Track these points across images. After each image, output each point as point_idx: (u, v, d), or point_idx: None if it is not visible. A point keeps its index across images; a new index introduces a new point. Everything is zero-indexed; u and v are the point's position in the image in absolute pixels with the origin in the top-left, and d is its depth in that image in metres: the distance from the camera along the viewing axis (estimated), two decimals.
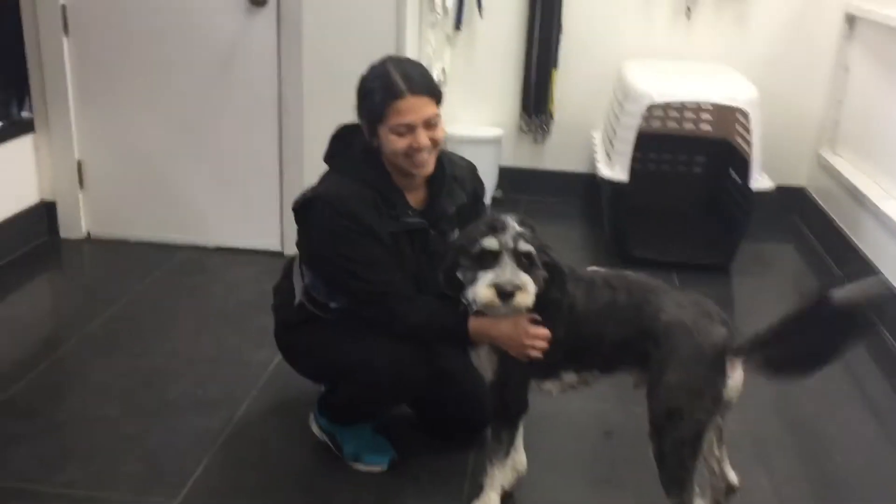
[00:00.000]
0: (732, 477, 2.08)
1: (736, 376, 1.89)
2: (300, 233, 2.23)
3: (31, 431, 2.41)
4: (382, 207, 2.12)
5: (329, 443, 2.37)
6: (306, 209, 2.15)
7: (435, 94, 2.12)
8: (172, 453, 2.34)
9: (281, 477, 2.27)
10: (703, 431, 1.88)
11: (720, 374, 1.87)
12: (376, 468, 2.30)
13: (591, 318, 1.99)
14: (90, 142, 3.69)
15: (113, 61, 3.59)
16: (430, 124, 2.09)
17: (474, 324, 2.03)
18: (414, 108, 2.05)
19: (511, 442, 2.11)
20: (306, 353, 2.31)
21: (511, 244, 1.88)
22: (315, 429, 2.41)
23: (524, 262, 1.89)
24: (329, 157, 2.22)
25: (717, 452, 2.06)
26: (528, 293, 1.88)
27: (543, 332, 1.98)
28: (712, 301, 1.99)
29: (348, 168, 2.16)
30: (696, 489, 1.90)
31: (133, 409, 2.54)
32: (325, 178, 2.20)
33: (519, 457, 2.23)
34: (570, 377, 2.07)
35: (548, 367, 2.04)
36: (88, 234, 3.81)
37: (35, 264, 3.56)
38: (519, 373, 2.04)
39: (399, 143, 2.07)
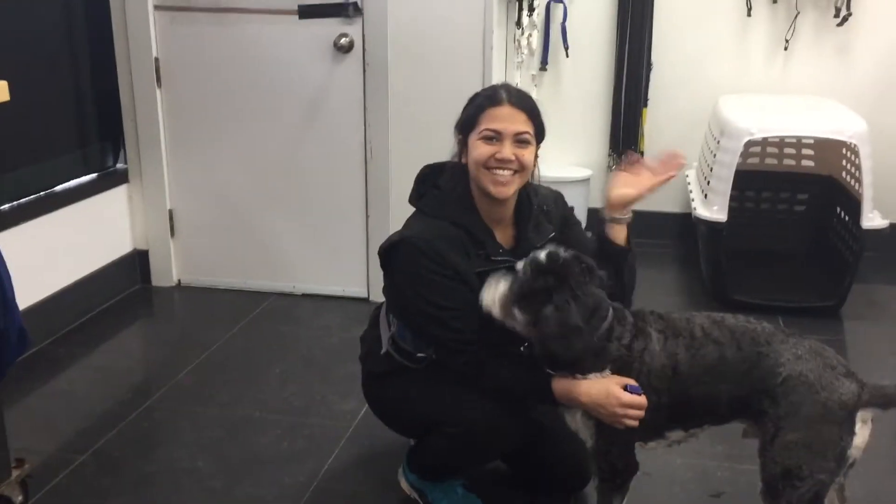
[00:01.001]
0: None
1: (863, 433, 1.74)
2: (386, 279, 2.16)
3: (120, 484, 2.39)
4: (471, 247, 2.04)
5: (418, 499, 2.27)
6: (392, 252, 2.09)
7: (533, 115, 2.05)
8: None
9: None
10: (823, 493, 1.74)
11: (847, 432, 1.71)
12: None
13: (698, 377, 1.84)
14: (181, 191, 3.75)
15: (203, 111, 3.64)
16: (520, 140, 2.02)
17: (559, 386, 1.91)
18: (508, 117, 2.01)
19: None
20: (394, 404, 2.23)
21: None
22: (404, 484, 2.32)
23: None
24: (415, 199, 2.16)
25: None
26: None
27: (640, 400, 1.84)
28: (830, 348, 1.84)
29: (434, 208, 2.09)
30: None
31: (221, 462, 2.50)
32: (411, 221, 2.14)
33: None
34: (677, 435, 1.94)
35: (653, 429, 1.91)
36: (179, 281, 3.85)
37: (127, 312, 3.61)
38: (622, 436, 1.90)
39: (484, 150, 2.01)
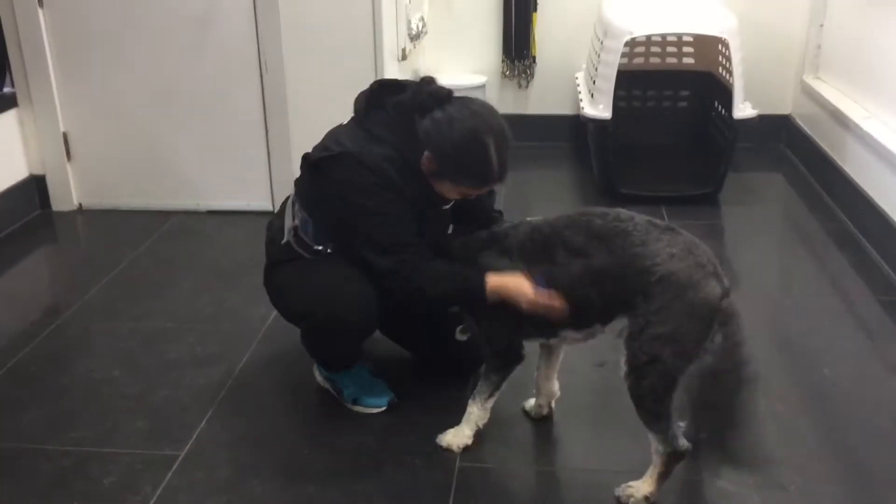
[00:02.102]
0: None
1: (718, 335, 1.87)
2: (311, 180, 2.20)
3: (38, 396, 2.46)
4: (406, 172, 2.11)
5: (330, 389, 2.42)
6: (330, 163, 2.12)
7: None
8: (176, 408, 2.40)
9: (283, 425, 2.32)
10: (680, 376, 1.89)
11: (707, 329, 1.85)
12: (375, 409, 2.35)
13: (565, 290, 1.96)
14: (75, 113, 3.70)
15: (91, 30, 3.58)
16: None
17: (493, 278, 2.04)
18: (490, 187, 2.14)
19: (498, 387, 2.16)
20: (280, 291, 2.35)
21: None
22: (318, 376, 2.46)
23: None
24: (360, 113, 2.17)
25: None
26: None
27: (545, 298, 1.97)
28: (702, 243, 1.93)
29: (378, 129, 2.12)
30: (675, 417, 1.93)
31: (136, 370, 2.59)
32: (350, 133, 2.16)
33: (550, 385, 2.29)
34: (573, 334, 2.08)
35: (540, 329, 2.08)
36: (80, 205, 3.84)
37: (29, 238, 3.60)
38: (501, 329, 2.09)
39: (456, 195, 2.14)
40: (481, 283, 2.04)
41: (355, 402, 2.36)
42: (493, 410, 2.22)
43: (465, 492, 2.05)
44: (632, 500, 1.98)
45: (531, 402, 2.33)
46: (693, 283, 1.84)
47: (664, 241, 1.88)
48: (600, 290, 1.93)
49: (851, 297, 3.02)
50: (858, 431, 2.27)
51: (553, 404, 2.32)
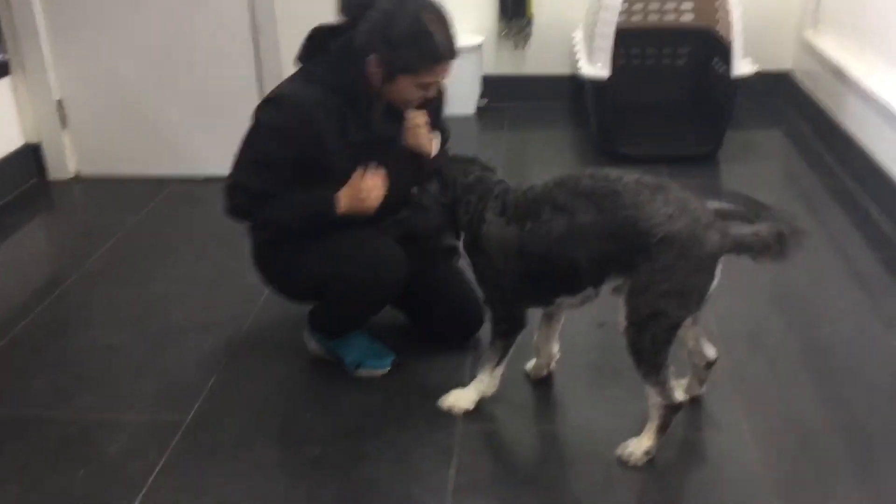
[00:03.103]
0: (709, 352, 2.16)
1: (719, 274, 1.90)
2: (248, 132, 2.18)
3: (43, 364, 2.47)
4: (350, 115, 2.11)
5: (328, 357, 2.42)
6: (265, 106, 2.14)
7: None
8: (182, 373, 2.41)
9: (288, 388, 2.34)
10: (680, 326, 1.93)
11: (710, 278, 1.89)
12: (379, 372, 2.36)
13: (548, 250, 1.96)
14: (69, 80, 3.67)
15: None
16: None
17: (341, 192, 2.10)
18: (446, 69, 2.09)
19: (504, 353, 2.17)
20: (284, 272, 2.33)
21: None
22: (312, 346, 2.45)
23: None
24: (301, 59, 2.18)
25: (692, 331, 2.11)
26: None
27: (370, 180, 2.08)
28: (697, 195, 1.93)
29: (320, 72, 2.13)
30: (671, 367, 1.96)
31: (139, 336, 2.60)
32: (291, 79, 2.17)
33: (549, 347, 2.31)
34: (569, 300, 2.08)
35: (532, 296, 2.10)
36: (77, 173, 3.83)
37: (26, 207, 3.59)
38: (502, 297, 2.11)
39: (414, 95, 2.11)
40: (333, 202, 2.11)
41: (359, 366, 2.37)
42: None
43: (467, 453, 2.07)
44: (633, 457, 2.00)
45: (531, 363, 2.35)
46: (696, 238, 1.84)
47: (658, 201, 1.86)
48: (586, 249, 1.93)
49: (850, 253, 3.02)
50: (856, 385, 2.29)
51: (553, 366, 2.34)
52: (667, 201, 1.87)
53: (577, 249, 1.93)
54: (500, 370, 2.20)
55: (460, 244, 2.14)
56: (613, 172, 1.96)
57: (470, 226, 2.08)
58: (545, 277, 2.02)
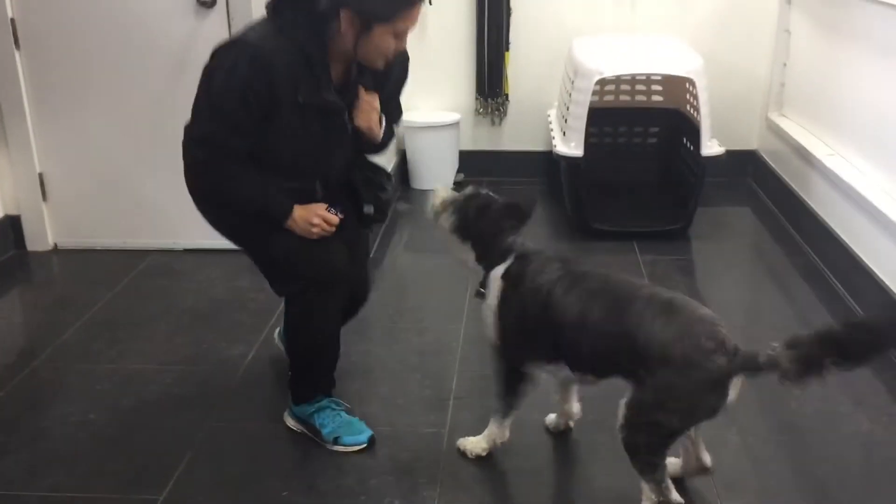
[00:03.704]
0: (706, 459, 2.17)
1: (733, 393, 1.90)
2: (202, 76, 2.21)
3: (13, 441, 2.45)
4: (304, 77, 2.15)
5: (307, 431, 2.43)
6: (223, 49, 2.18)
7: None
8: (155, 451, 2.40)
9: (262, 468, 2.33)
10: (678, 435, 1.97)
11: (719, 398, 1.88)
12: (355, 447, 2.37)
13: (564, 321, 2.03)
14: (51, 153, 3.72)
15: (67, 72, 3.60)
16: None
17: (299, 208, 2.22)
18: (418, 13, 2.15)
19: (511, 406, 2.26)
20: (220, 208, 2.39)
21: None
22: (291, 423, 2.47)
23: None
24: (271, 9, 2.19)
25: (692, 436, 2.13)
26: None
27: (332, 218, 2.24)
28: (704, 312, 1.95)
29: (287, 26, 2.14)
30: (666, 466, 1.99)
31: (113, 413, 2.59)
32: (257, 27, 2.20)
33: (568, 407, 2.38)
34: (566, 373, 2.12)
35: (536, 350, 2.15)
36: (55, 245, 3.84)
37: (4, 279, 3.59)
38: (512, 347, 2.19)
39: (391, 45, 2.16)
40: (286, 212, 2.22)
41: (336, 441, 2.38)
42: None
43: None
44: None
45: (552, 416, 2.42)
46: (694, 364, 1.85)
47: (659, 323, 1.89)
48: (590, 344, 2.00)
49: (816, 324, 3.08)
50: (828, 464, 2.33)
51: (572, 424, 2.41)
52: (668, 323, 1.89)
53: (583, 340, 2.01)
54: (507, 421, 2.28)
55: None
56: (638, 282, 2.06)
57: (515, 277, 2.15)
58: (554, 340, 2.08)
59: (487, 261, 2.22)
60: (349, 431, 2.39)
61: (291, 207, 2.23)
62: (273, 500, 2.20)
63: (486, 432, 2.31)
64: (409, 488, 2.22)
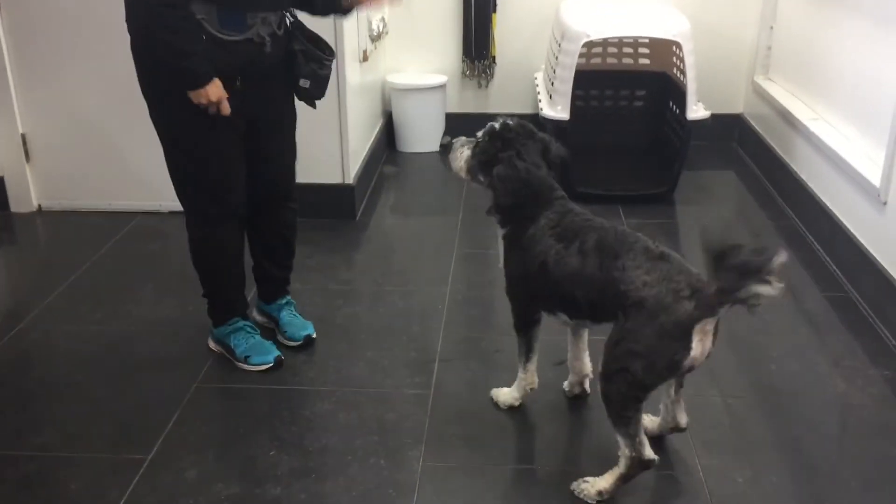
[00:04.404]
0: (681, 419, 2.23)
1: (702, 344, 1.94)
2: None
3: (2, 401, 2.47)
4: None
5: (224, 352, 2.65)
6: None
7: None
8: (143, 411, 2.42)
9: (248, 427, 2.36)
10: (649, 390, 2.00)
11: (682, 348, 1.93)
12: (263, 366, 2.59)
13: (559, 278, 2.11)
14: (33, 114, 3.68)
15: (49, 31, 3.56)
16: None
17: (216, 82, 2.24)
18: None
19: (527, 347, 2.35)
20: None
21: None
22: (212, 345, 2.70)
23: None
24: None
25: (672, 395, 2.19)
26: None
27: (225, 106, 2.27)
28: (689, 268, 1.99)
29: None
30: (641, 421, 2.03)
31: (101, 375, 2.61)
32: None
33: (580, 365, 2.45)
34: (565, 318, 2.22)
35: (542, 303, 2.25)
36: (39, 206, 3.82)
37: None
38: (520, 296, 2.29)
39: None
40: (207, 73, 2.23)
41: (246, 360, 2.60)
42: (456, 413, 2.33)
43: (429, 492, 2.11)
44: (584, 493, 2.07)
45: (567, 381, 2.48)
46: (664, 307, 1.91)
47: (642, 269, 1.97)
48: (584, 293, 2.08)
49: (798, 293, 3.13)
50: (804, 424, 2.38)
51: (587, 384, 2.46)
52: (651, 270, 1.97)
53: (577, 289, 2.09)
54: (531, 366, 2.37)
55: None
56: (634, 236, 2.09)
57: (520, 220, 2.21)
58: (552, 295, 2.18)
59: (503, 218, 2.27)
60: (258, 352, 2.60)
61: (212, 77, 2.24)
62: (260, 458, 2.23)
63: (516, 382, 2.40)
64: (394, 448, 2.26)
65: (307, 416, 2.40)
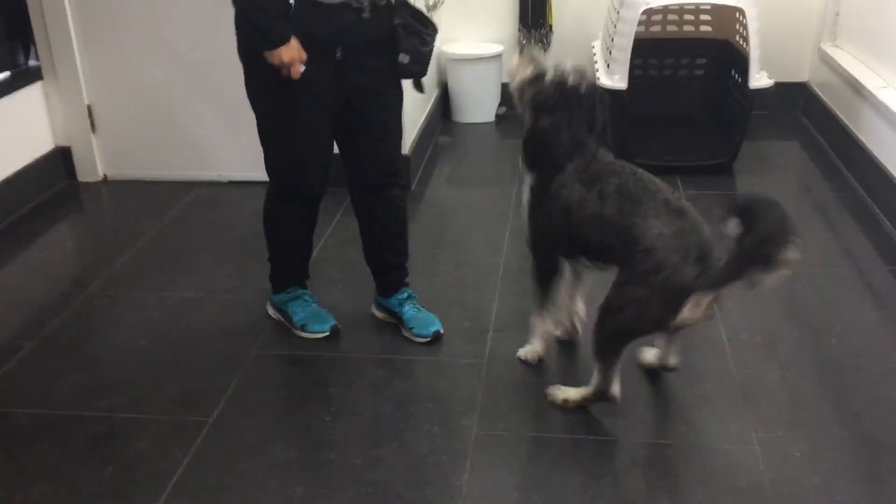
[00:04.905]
0: (671, 361, 2.36)
1: (693, 311, 2.01)
2: None
3: (70, 365, 2.56)
4: None
5: (282, 319, 2.69)
6: None
7: None
8: (204, 376, 2.49)
9: (305, 393, 2.42)
10: (634, 336, 2.15)
11: (673, 310, 2.01)
12: (320, 334, 2.63)
13: (580, 221, 2.17)
14: (98, 85, 3.77)
15: (113, 3, 3.63)
16: None
17: (294, 42, 2.21)
18: None
19: (546, 297, 2.39)
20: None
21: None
22: (271, 311, 2.74)
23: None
24: None
25: (667, 338, 2.31)
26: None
27: (297, 68, 2.23)
28: (705, 230, 2.06)
29: None
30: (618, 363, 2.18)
31: (163, 340, 2.68)
32: None
33: (573, 304, 2.52)
34: (585, 262, 2.27)
35: (565, 248, 2.29)
36: (105, 176, 3.93)
37: (56, 209, 3.69)
38: (543, 245, 2.34)
39: None
40: (280, 33, 2.20)
41: (303, 328, 2.64)
42: (510, 383, 2.36)
43: (481, 459, 2.13)
44: (551, 396, 2.28)
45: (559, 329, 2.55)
46: (669, 264, 1.98)
47: (660, 220, 2.04)
48: (599, 234, 2.14)
49: (863, 268, 3.05)
50: (864, 400, 2.33)
51: (578, 325, 2.52)
52: (668, 223, 2.04)
53: (592, 231, 2.15)
54: (546, 313, 2.42)
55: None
56: (655, 185, 2.12)
57: (549, 169, 2.23)
58: (571, 238, 2.23)
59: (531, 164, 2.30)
60: (316, 320, 2.64)
61: (289, 37, 2.21)
62: (316, 424, 2.28)
63: (532, 331, 2.45)
64: (447, 416, 2.28)
65: (363, 384, 2.44)
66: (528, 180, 2.33)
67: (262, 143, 2.51)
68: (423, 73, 2.44)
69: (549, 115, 2.22)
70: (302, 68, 2.25)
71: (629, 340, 2.16)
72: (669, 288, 1.98)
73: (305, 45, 2.24)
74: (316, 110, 2.37)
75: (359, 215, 2.64)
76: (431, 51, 2.41)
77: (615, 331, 2.11)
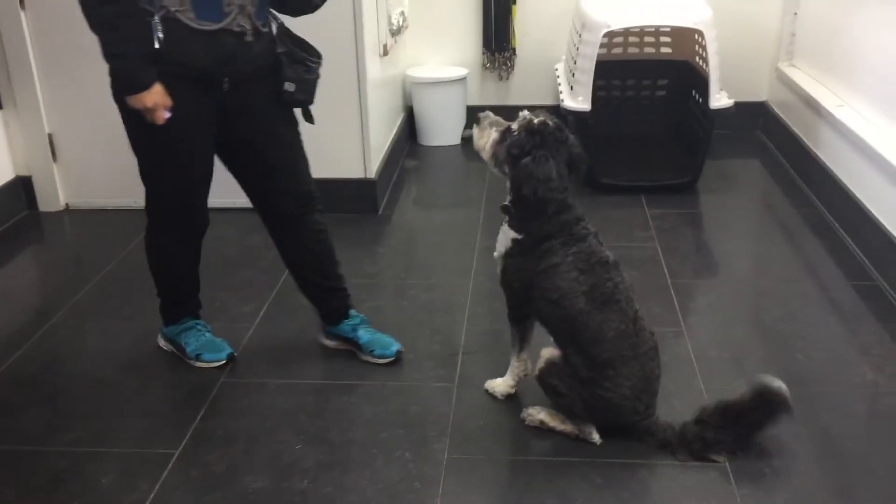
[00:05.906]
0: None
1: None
2: None
3: (33, 398, 2.51)
4: None
5: (175, 351, 2.66)
6: None
7: None
8: (170, 407, 2.46)
9: (275, 421, 2.38)
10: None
11: (600, 419, 2.25)
12: (216, 363, 2.60)
13: (540, 298, 2.24)
14: (59, 114, 3.73)
15: (73, 31, 3.53)
16: None
17: (158, 87, 2.17)
18: None
19: (520, 338, 2.38)
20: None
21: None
22: (162, 343, 2.70)
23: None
24: None
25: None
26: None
27: (161, 115, 2.20)
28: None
29: None
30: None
31: (129, 369, 2.64)
32: None
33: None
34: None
35: (526, 305, 2.31)
36: (67, 205, 3.87)
37: (17, 239, 3.63)
38: (518, 294, 2.30)
39: None
40: (142, 80, 2.16)
41: (198, 357, 2.61)
42: (481, 405, 2.35)
43: (454, 483, 2.12)
44: (529, 418, 2.31)
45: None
46: (622, 411, 2.22)
47: (629, 384, 2.19)
48: (570, 330, 2.23)
49: (826, 282, 3.10)
50: (832, 413, 2.36)
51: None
52: (635, 385, 2.19)
53: (552, 315, 2.24)
54: (524, 354, 2.40)
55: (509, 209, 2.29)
56: (623, 292, 2.19)
57: (537, 236, 2.21)
58: (539, 309, 2.27)
59: (515, 221, 2.27)
60: (210, 349, 2.61)
61: (153, 81, 2.16)
62: (286, 452, 2.25)
63: (508, 370, 2.43)
64: (419, 441, 2.27)
65: (332, 410, 2.42)
66: (510, 233, 2.26)
67: (146, 184, 2.45)
68: (310, 101, 2.38)
69: (528, 156, 2.15)
70: (167, 115, 2.20)
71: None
72: (610, 409, 2.18)
73: (190, 78, 2.19)
74: (201, 150, 2.33)
75: (281, 249, 2.58)
76: (317, 78, 2.36)
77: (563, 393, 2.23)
